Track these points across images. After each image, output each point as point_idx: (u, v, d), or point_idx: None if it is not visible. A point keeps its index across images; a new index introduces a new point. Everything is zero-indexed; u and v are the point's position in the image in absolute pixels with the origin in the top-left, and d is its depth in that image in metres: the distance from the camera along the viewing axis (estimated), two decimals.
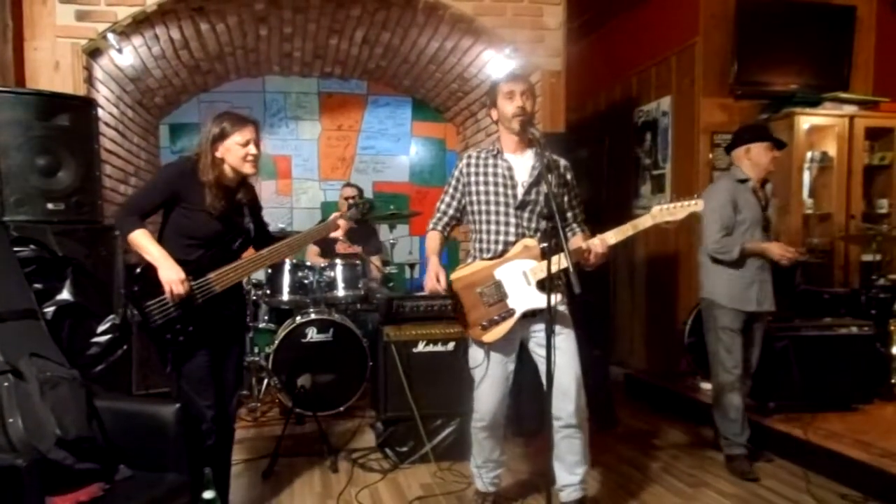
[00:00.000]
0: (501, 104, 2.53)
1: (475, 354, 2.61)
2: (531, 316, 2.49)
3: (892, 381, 4.14)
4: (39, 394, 2.07)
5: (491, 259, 2.54)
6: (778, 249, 3.20)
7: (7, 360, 2.15)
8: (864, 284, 4.56)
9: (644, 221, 2.41)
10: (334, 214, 2.73)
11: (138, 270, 2.34)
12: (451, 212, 2.69)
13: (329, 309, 4.08)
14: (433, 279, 2.52)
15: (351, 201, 2.79)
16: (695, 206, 2.38)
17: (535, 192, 2.53)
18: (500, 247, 2.54)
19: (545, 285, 2.42)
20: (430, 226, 2.73)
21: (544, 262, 2.42)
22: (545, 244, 2.45)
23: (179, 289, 2.31)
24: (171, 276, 2.30)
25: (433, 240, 2.71)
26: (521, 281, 2.46)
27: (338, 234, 2.71)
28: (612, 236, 2.42)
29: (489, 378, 2.57)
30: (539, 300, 2.43)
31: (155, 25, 3.83)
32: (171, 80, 4.81)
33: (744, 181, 3.26)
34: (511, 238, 2.53)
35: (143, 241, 2.34)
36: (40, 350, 2.27)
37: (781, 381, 3.73)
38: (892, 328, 4.17)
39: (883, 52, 5.00)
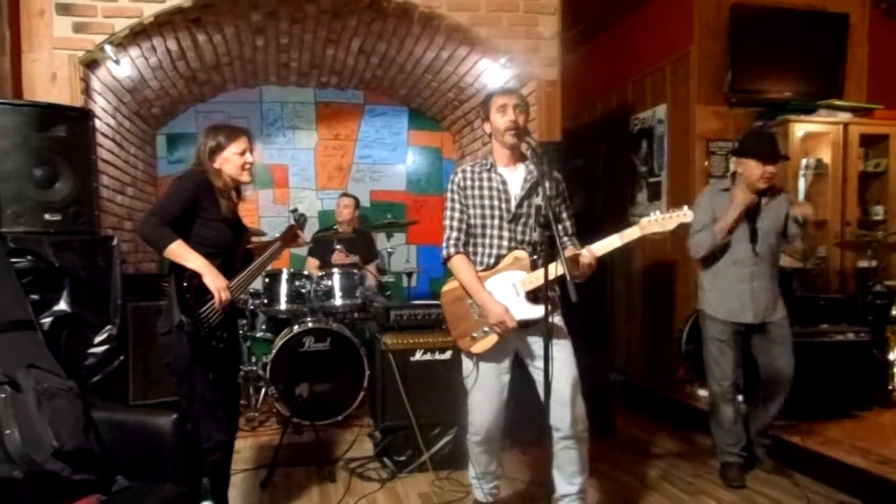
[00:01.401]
0: (494, 118, 2.53)
1: (467, 365, 2.61)
2: (524, 327, 2.48)
3: (890, 387, 4.15)
4: (36, 405, 2.06)
5: (483, 271, 2.54)
6: (740, 195, 3.11)
7: (4, 371, 2.15)
8: (860, 291, 4.58)
9: (632, 233, 2.41)
10: (290, 223, 2.86)
11: (185, 283, 2.37)
12: (464, 227, 2.57)
13: (326, 318, 4.08)
14: (503, 315, 2.39)
15: (294, 214, 2.92)
16: (683, 216, 2.39)
17: (528, 205, 2.54)
18: (493, 259, 2.54)
19: (536, 296, 2.43)
20: (452, 250, 2.54)
21: (534, 273, 2.43)
22: (535, 256, 2.46)
23: (227, 295, 2.39)
24: (219, 283, 2.37)
25: (468, 267, 2.52)
26: (511, 292, 2.46)
27: (300, 241, 2.84)
28: (600, 248, 2.42)
29: (481, 390, 2.57)
30: (528, 311, 2.44)
31: (152, 37, 3.84)
32: (168, 90, 4.83)
33: (727, 190, 3.23)
34: (503, 251, 2.53)
35: (183, 251, 2.36)
36: (37, 361, 2.27)
37: None
38: (889, 334, 4.19)
39: (876, 60, 5.04)
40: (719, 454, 3.34)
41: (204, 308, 2.39)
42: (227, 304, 2.41)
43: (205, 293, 2.37)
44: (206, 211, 2.46)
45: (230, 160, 2.50)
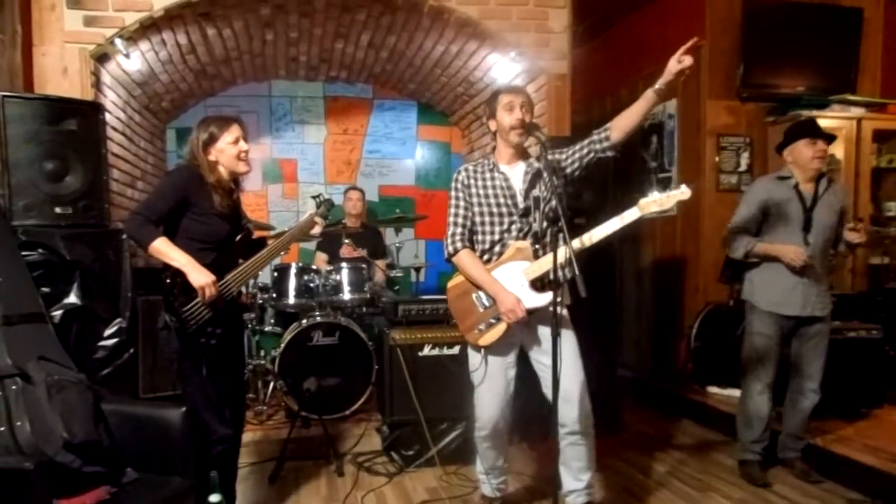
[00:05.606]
0: (500, 115, 2.53)
1: (474, 359, 2.61)
2: (529, 315, 2.46)
3: None
4: (47, 397, 2.08)
5: (486, 263, 2.54)
6: (790, 253, 3.00)
7: (15, 363, 2.17)
8: (872, 287, 4.53)
9: (631, 214, 2.40)
10: (309, 212, 2.77)
11: (168, 280, 2.35)
12: (468, 223, 2.57)
13: (335, 312, 4.09)
14: (515, 304, 2.40)
15: (318, 199, 2.82)
16: (681, 194, 2.38)
17: (532, 197, 2.54)
18: (498, 248, 2.55)
19: (541, 285, 2.45)
20: (459, 245, 2.54)
21: (537, 262, 2.44)
22: (537, 245, 2.48)
23: (212, 291, 2.35)
24: (203, 279, 2.33)
25: (476, 261, 2.53)
26: (515, 282, 2.46)
27: (316, 230, 2.73)
28: (601, 231, 2.42)
29: (488, 383, 2.56)
30: (534, 299, 2.44)
31: (162, 30, 3.85)
32: (177, 84, 4.84)
33: (784, 178, 3.14)
34: (510, 243, 2.53)
35: (166, 248, 2.34)
36: (48, 353, 2.29)
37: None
38: None
39: (890, 54, 4.97)
40: (740, 451, 3.30)
41: (190, 305, 2.35)
42: (215, 299, 2.37)
43: (192, 290, 2.33)
44: (198, 206, 2.42)
45: (225, 151, 2.46)
